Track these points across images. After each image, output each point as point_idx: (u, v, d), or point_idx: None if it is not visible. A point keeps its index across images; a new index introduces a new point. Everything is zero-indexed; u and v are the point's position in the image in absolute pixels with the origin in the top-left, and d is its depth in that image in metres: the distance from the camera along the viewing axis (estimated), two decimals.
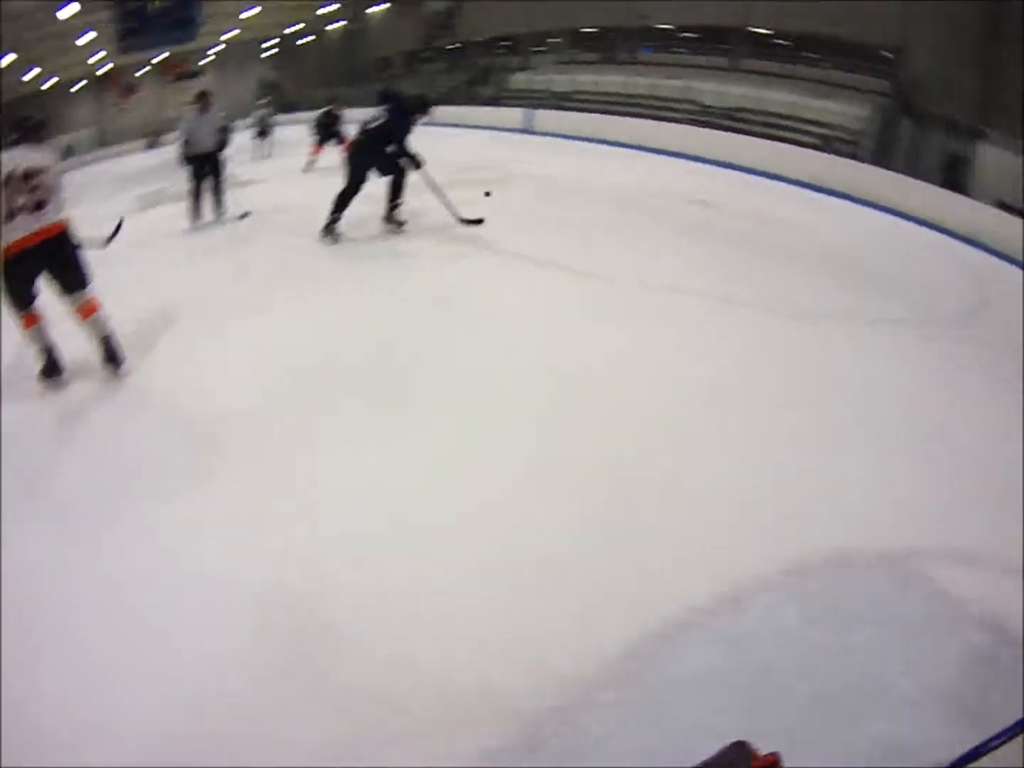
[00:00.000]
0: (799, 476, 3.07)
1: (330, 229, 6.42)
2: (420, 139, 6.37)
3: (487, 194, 7.87)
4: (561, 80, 17.60)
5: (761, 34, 15.55)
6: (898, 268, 6.77)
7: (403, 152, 6.14)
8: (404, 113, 6.13)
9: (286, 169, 11.78)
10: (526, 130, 15.68)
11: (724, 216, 8.13)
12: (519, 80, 19.17)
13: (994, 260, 7.98)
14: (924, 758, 1.74)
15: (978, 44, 11.52)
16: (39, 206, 3.61)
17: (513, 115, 16.24)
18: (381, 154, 6.17)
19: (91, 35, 21.38)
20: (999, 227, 8.36)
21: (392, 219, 6.74)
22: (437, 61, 23.88)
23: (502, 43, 21.45)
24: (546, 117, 15.51)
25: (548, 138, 14.62)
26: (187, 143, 7.25)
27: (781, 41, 15.22)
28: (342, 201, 6.32)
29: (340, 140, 10.95)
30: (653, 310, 4.88)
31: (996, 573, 2.50)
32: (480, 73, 20.51)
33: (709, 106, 13.70)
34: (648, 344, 4.34)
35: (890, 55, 13.12)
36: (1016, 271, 7.42)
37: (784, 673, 2.07)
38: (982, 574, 2.51)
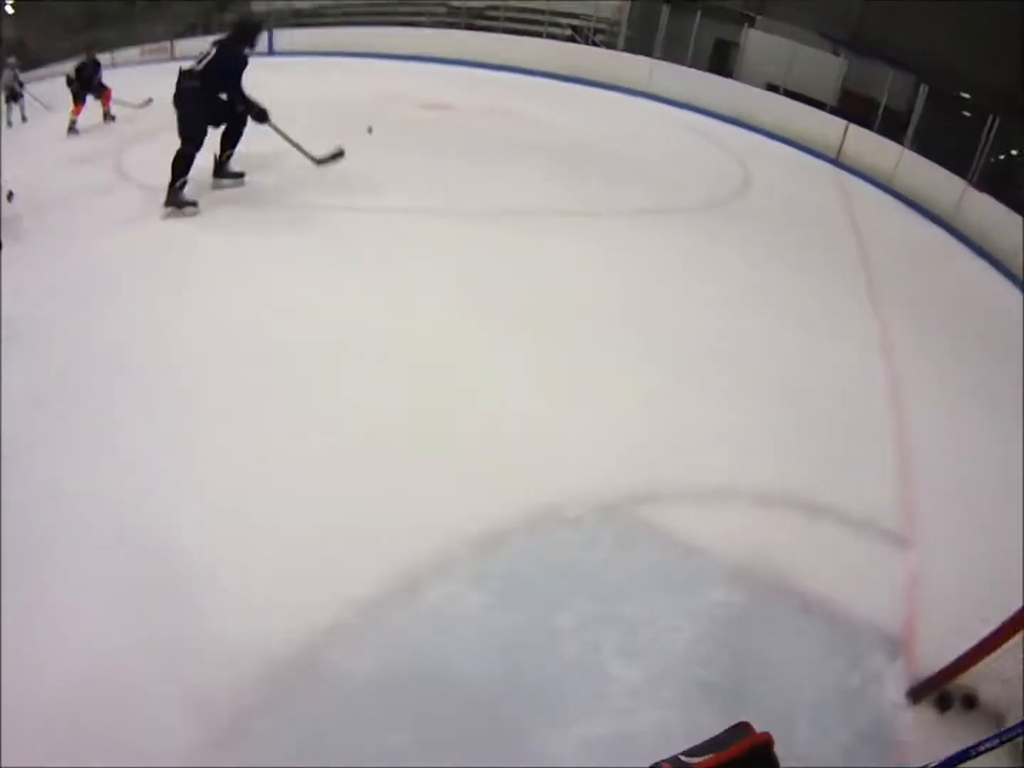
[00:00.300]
0: None
1: (176, 199, 4.58)
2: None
3: (369, 130, 6.28)
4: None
5: None
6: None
7: (243, 100, 4.72)
8: (232, 46, 4.64)
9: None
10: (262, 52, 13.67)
11: (462, 116, 7.31)
12: (261, 5, 16.93)
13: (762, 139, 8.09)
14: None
15: None
16: None
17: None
18: (216, 102, 4.69)
19: None
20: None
21: (226, 173, 5.17)
22: None
23: None
24: (286, 37, 13.68)
25: (286, 58, 12.78)
26: None
27: None
28: (184, 164, 4.60)
29: (102, 92, 8.57)
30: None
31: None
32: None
33: (457, 7, 12.22)
34: None
35: None
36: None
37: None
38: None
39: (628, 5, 11.22)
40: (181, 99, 4.69)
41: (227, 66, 4.57)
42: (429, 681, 1.74)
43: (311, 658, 1.72)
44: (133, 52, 18.30)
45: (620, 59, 9.85)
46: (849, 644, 1.94)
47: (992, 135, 6.64)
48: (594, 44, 10.52)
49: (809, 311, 3.85)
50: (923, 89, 7.79)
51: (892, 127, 7.92)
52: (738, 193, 5.63)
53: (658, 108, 8.77)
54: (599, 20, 10.97)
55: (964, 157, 6.69)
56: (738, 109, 8.59)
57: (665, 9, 10.25)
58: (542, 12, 11.09)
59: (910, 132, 7.74)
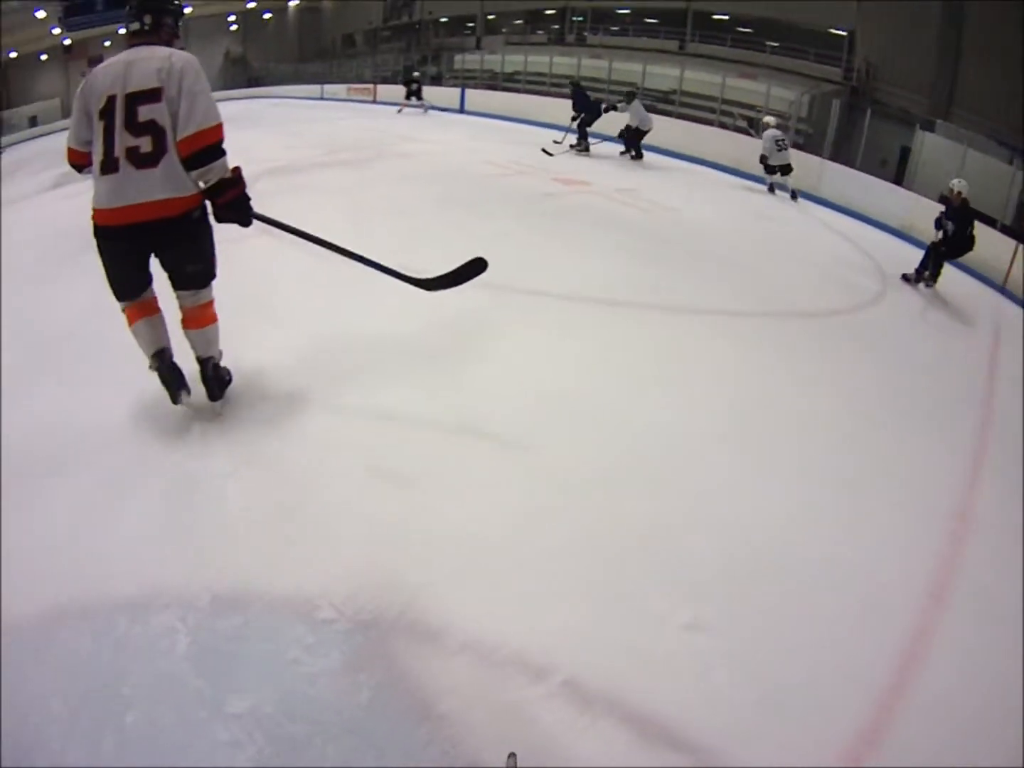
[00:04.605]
0: None
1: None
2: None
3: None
4: (514, 61, 16.70)
5: (715, 19, 15.02)
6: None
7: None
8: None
9: None
10: (453, 108, 15.09)
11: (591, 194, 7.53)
12: (465, 60, 18.47)
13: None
14: None
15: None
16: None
17: (451, 94, 15.49)
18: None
19: (41, 14, 20.88)
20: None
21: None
22: (395, 40, 23.33)
23: (467, 24, 21.02)
24: (477, 97, 14.86)
25: (473, 117, 14.05)
26: None
27: (743, 29, 14.82)
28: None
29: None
30: None
31: None
32: (432, 53, 19.76)
33: (640, 87, 12.86)
34: None
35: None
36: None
37: None
38: None
39: (805, 99, 11.33)
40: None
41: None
42: None
43: None
44: (340, 88, 20.37)
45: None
46: None
47: None
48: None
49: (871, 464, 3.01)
50: None
51: None
52: (863, 308, 5.23)
53: (820, 212, 8.46)
54: (771, 112, 10.89)
55: None
56: (901, 219, 8.14)
57: (836, 105, 10.30)
58: (715, 99, 11.49)
59: None
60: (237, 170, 2.69)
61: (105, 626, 1.89)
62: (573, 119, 10.34)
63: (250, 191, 2.70)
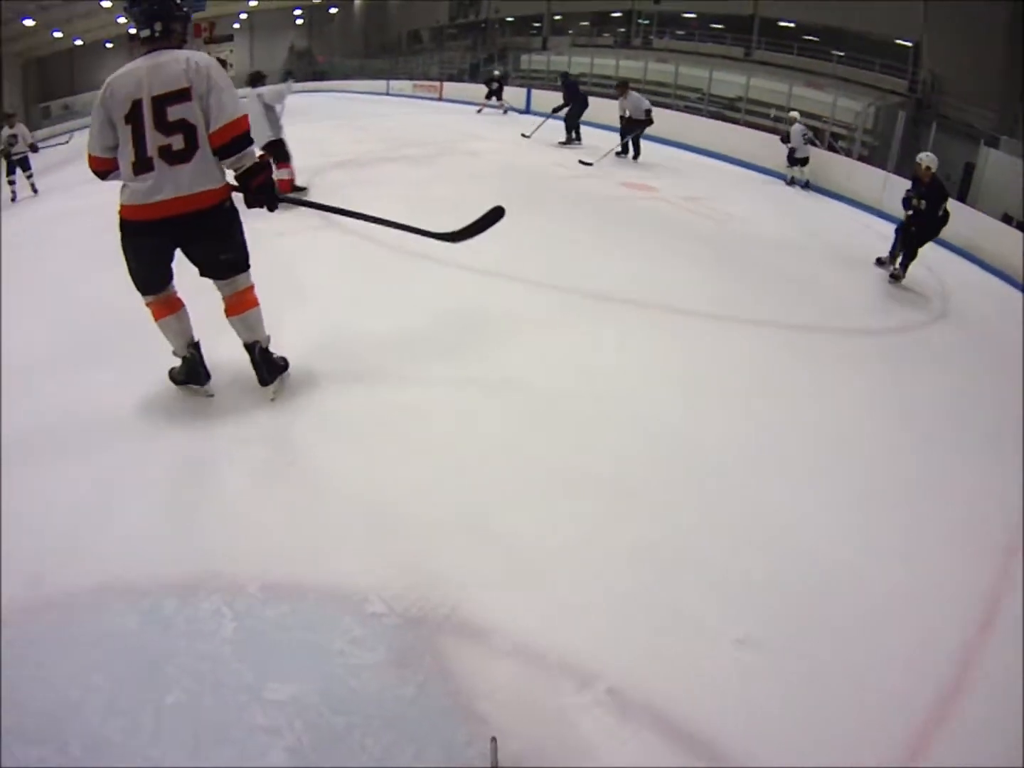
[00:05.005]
0: None
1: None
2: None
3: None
4: (580, 62, 16.91)
5: (781, 26, 15.10)
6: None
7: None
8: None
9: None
10: (517, 109, 15.46)
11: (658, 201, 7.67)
12: (532, 60, 18.79)
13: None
14: None
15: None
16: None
17: (517, 94, 15.83)
18: None
19: (107, 3, 21.60)
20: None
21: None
22: (462, 38, 23.70)
23: (533, 23, 21.25)
24: (544, 98, 14.89)
25: (539, 118, 14.15)
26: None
27: (809, 37, 14.82)
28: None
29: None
30: None
31: None
32: (498, 52, 20.11)
33: (706, 94, 13.07)
34: None
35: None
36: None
37: None
38: None
39: (871, 111, 11.32)
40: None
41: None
42: None
43: None
44: (407, 84, 20.82)
45: (855, 168, 9.65)
46: None
47: None
48: (831, 149, 10.39)
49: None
50: None
51: None
52: (925, 326, 5.19)
53: (882, 227, 7.98)
54: (837, 123, 11.02)
55: None
56: (962, 237, 7.93)
57: (902, 116, 10.31)
58: (780, 107, 11.59)
59: None
60: (264, 156, 2.88)
61: (153, 606, 1.94)
62: (555, 109, 11.09)
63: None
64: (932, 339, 4.98)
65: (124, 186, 2.67)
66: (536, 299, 4.38)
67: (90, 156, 2.71)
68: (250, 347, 3.00)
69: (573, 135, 10.97)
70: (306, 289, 4.29)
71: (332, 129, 11.38)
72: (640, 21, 17.88)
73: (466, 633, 1.92)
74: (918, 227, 6.03)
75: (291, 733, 1.62)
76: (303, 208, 3.69)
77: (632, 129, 9.92)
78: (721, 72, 13.99)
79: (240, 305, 2.93)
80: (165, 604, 1.95)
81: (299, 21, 31.84)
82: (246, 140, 2.72)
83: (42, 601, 1.97)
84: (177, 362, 3.01)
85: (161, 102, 2.56)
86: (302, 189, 6.33)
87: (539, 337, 3.89)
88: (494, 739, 1.51)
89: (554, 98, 14.66)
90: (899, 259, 6.14)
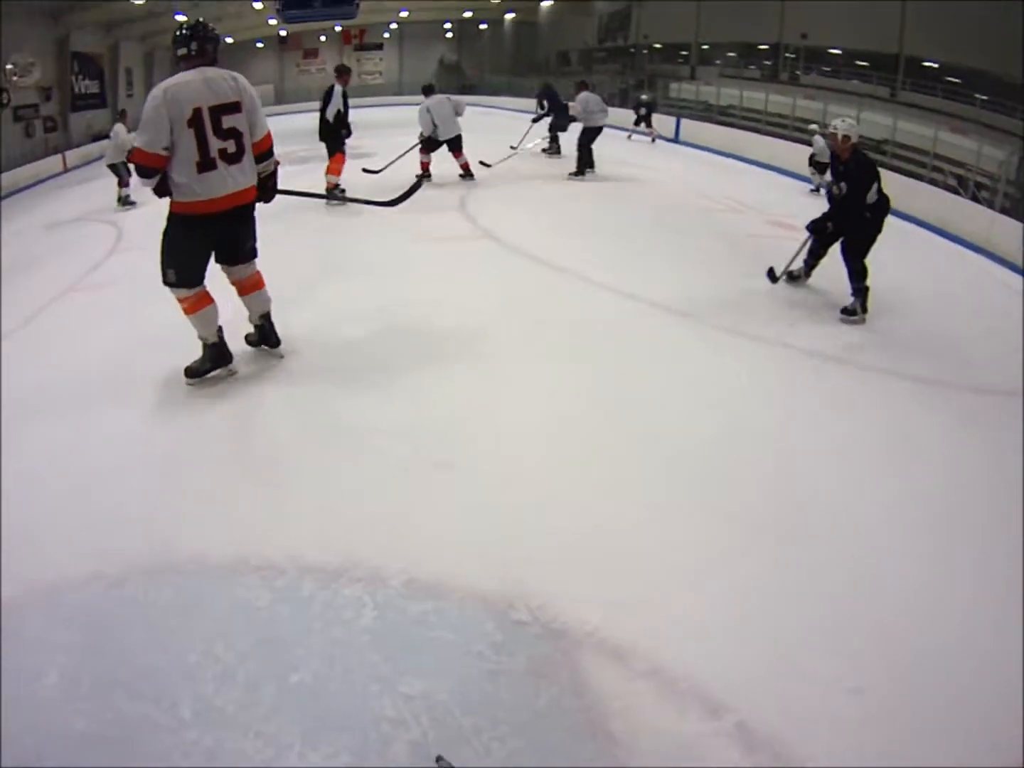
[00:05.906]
0: None
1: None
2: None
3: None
4: (730, 94, 17.22)
5: (924, 66, 15.13)
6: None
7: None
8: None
9: None
10: (667, 138, 15.86)
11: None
12: (681, 89, 19.39)
13: None
14: None
15: None
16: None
17: (666, 123, 16.31)
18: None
19: (258, 5, 22.54)
20: None
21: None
22: (611, 62, 24.31)
23: (680, 51, 21.62)
24: (692, 128, 15.68)
25: (688, 148, 14.81)
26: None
27: (951, 79, 14.79)
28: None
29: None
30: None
31: None
32: (647, 78, 20.80)
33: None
34: None
35: None
36: None
37: None
38: None
39: (1014, 160, 11.02)
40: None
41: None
42: None
43: None
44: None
45: (995, 220, 8.88)
46: None
47: None
48: (975, 200, 9.99)
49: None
50: None
51: None
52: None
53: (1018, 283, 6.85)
54: (981, 172, 10.89)
55: None
56: None
57: None
58: (926, 153, 11.76)
59: None
60: (276, 161, 3.35)
61: (288, 585, 1.99)
62: (535, 120, 11.43)
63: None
64: None
65: (176, 187, 2.93)
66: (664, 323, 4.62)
67: (145, 153, 2.85)
68: (264, 318, 3.51)
69: (555, 145, 11.76)
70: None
71: (478, 143, 10.98)
72: (787, 55, 18.02)
73: (606, 651, 1.93)
74: (839, 223, 4.53)
75: (417, 727, 1.65)
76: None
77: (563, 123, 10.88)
78: (867, 112, 14.19)
79: (256, 284, 3.46)
80: (303, 585, 2.01)
81: (448, 35, 33.29)
82: (272, 149, 3.27)
83: (166, 565, 2.07)
84: (186, 362, 3.39)
85: (217, 111, 2.92)
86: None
87: (649, 362, 4.07)
88: (440, 757, 1.52)
89: (703, 128, 15.41)
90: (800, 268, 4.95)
